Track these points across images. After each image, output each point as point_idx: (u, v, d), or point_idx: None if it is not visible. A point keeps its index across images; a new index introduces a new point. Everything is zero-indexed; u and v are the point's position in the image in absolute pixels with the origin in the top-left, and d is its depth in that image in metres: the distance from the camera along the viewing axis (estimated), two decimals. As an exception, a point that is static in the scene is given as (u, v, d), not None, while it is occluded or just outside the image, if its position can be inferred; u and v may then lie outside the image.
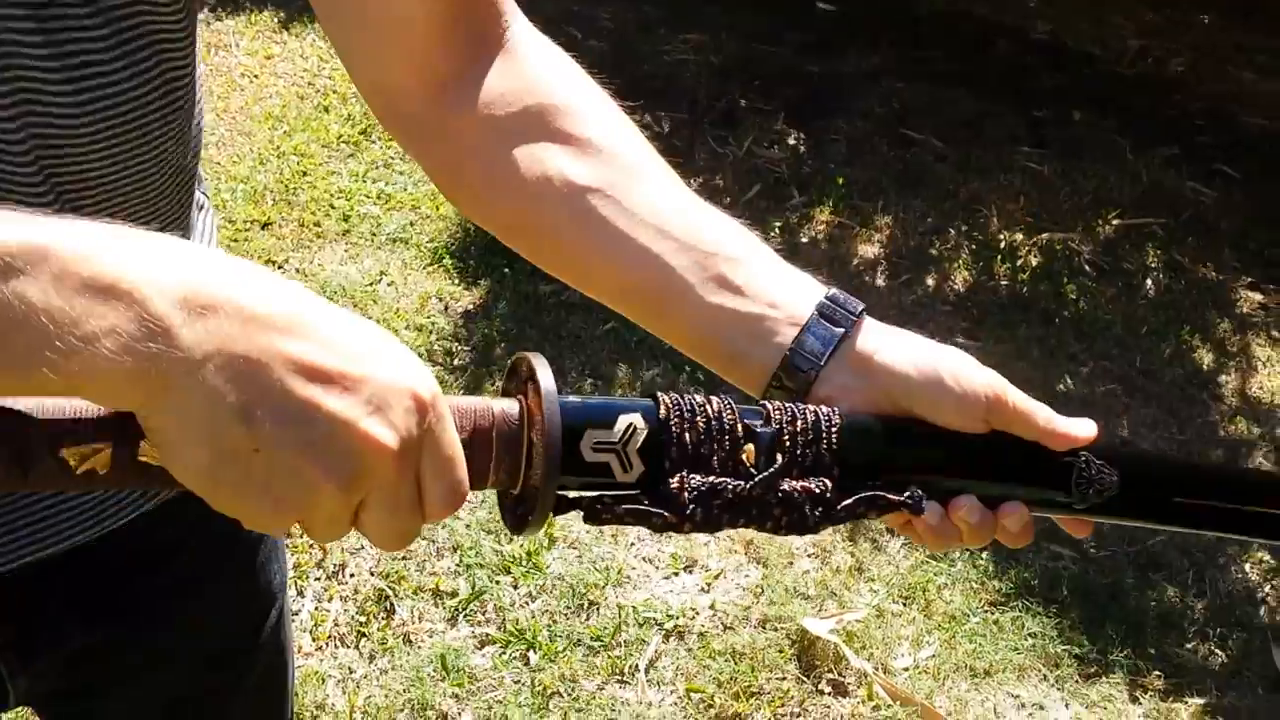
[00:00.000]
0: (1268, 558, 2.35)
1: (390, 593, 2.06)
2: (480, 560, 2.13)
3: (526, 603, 2.08)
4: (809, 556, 2.23)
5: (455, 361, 2.51)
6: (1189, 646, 2.16)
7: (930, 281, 2.91)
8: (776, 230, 2.97)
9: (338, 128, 3.11)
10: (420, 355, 2.51)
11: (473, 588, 2.08)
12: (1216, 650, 2.16)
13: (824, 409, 0.62)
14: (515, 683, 1.96)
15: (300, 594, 2.05)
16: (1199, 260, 3.08)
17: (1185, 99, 3.64)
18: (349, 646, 2.00)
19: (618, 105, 0.74)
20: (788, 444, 0.60)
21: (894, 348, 0.67)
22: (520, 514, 0.57)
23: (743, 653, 2.04)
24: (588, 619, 2.07)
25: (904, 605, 2.17)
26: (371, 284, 2.67)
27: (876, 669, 2.05)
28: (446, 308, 2.64)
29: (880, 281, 2.90)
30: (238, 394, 0.46)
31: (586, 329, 2.60)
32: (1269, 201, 3.26)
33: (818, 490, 0.60)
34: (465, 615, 2.06)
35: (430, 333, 2.57)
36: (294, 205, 2.86)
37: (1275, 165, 3.40)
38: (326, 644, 1.99)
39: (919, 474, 0.64)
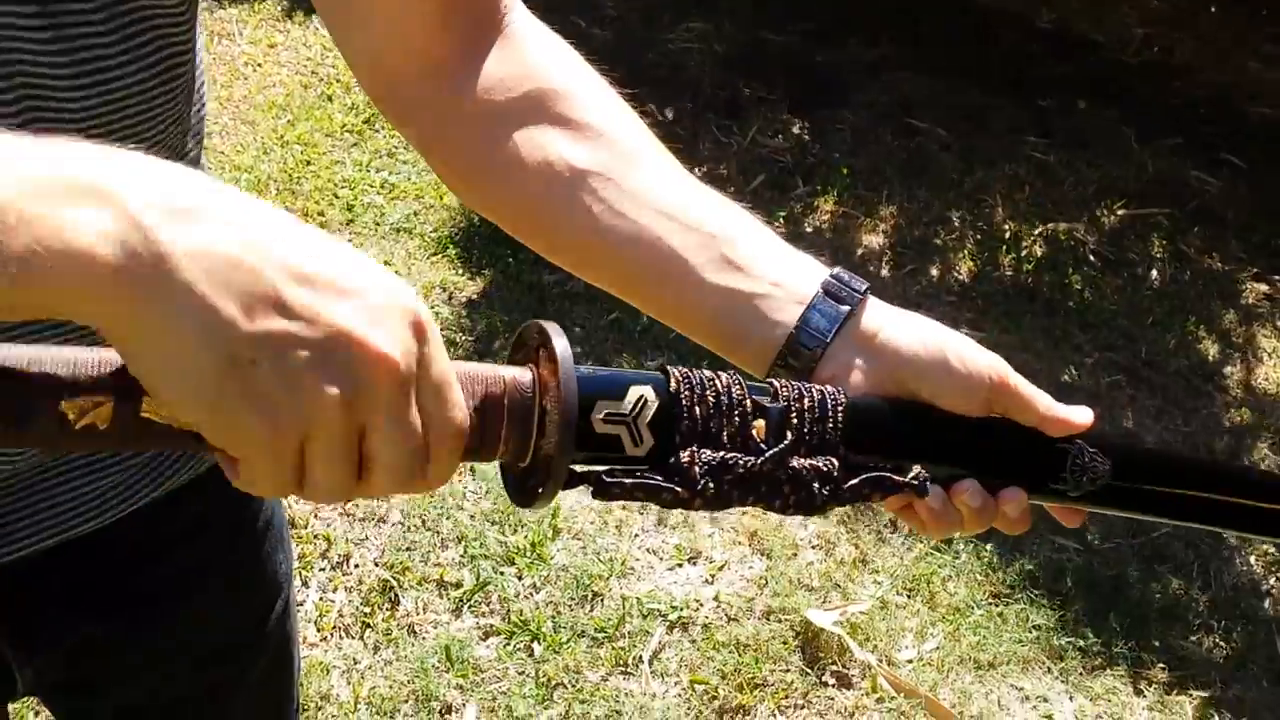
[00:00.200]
0: (1272, 550, 2.34)
1: (395, 583, 2.06)
2: (485, 551, 2.13)
3: (531, 594, 2.09)
4: (813, 548, 2.23)
5: (459, 351, 2.51)
6: (1193, 639, 2.16)
7: (934, 271, 2.90)
8: (781, 220, 2.96)
9: (341, 117, 3.10)
10: (424, 346, 2.51)
11: (477, 579, 2.09)
12: (1221, 643, 2.16)
13: (830, 388, 0.62)
14: (519, 674, 1.97)
15: (305, 585, 2.05)
16: (1204, 250, 3.07)
17: (1190, 88, 3.62)
18: (354, 637, 2.00)
19: (616, 92, 0.74)
20: (795, 421, 0.60)
21: (899, 327, 0.67)
22: (530, 487, 0.55)
23: (747, 644, 2.04)
24: (592, 610, 2.07)
25: (908, 597, 2.17)
26: (375, 274, 2.67)
27: (880, 661, 2.05)
28: (450, 297, 2.64)
29: (884, 271, 2.89)
30: (230, 298, 0.44)
31: (590, 319, 2.60)
32: (1274, 191, 3.25)
33: (825, 469, 0.60)
34: (470, 606, 2.06)
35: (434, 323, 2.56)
36: (298, 195, 2.85)
37: (1281, 155, 3.39)
38: (331, 635, 1.99)
39: (922, 456, 0.64)
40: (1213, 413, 2.62)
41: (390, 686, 1.92)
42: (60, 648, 0.85)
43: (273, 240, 0.46)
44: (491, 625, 2.03)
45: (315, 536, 2.12)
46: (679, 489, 0.57)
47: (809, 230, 2.98)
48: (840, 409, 0.61)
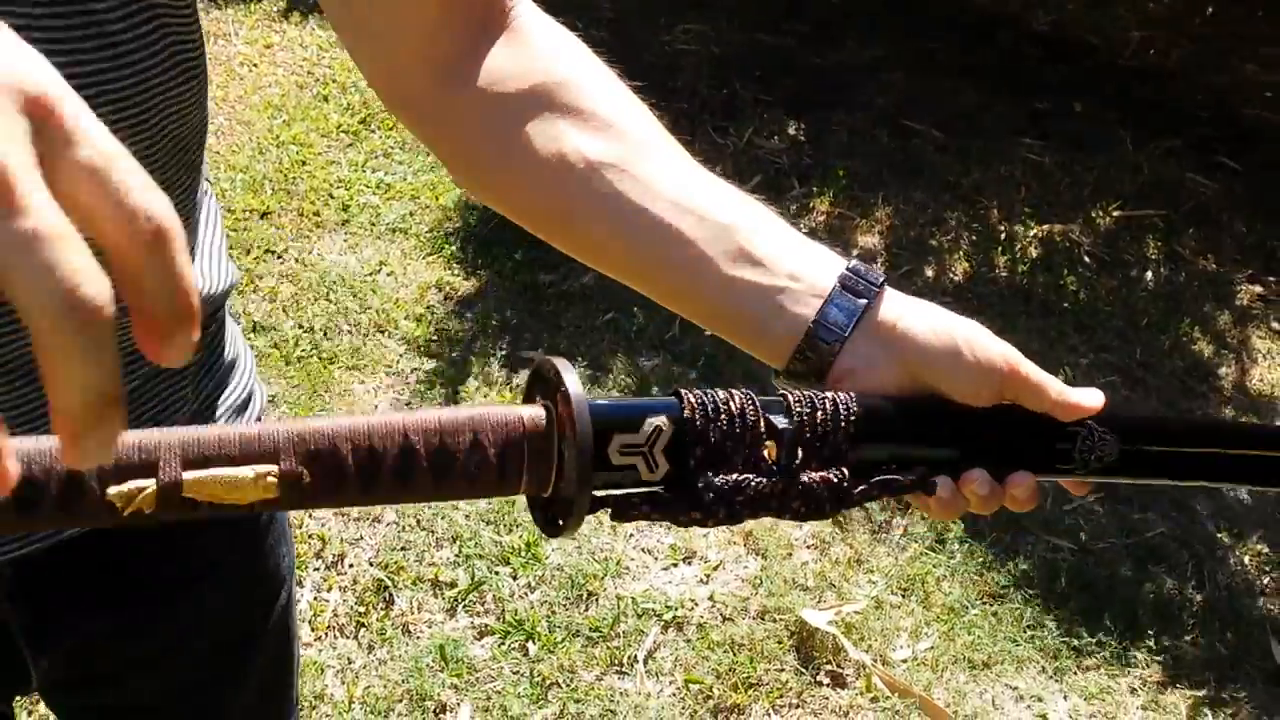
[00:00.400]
0: (1266, 550, 2.35)
1: (389, 583, 2.06)
2: (479, 551, 2.13)
3: (525, 593, 2.09)
4: (808, 548, 2.23)
5: (454, 352, 2.51)
6: (1187, 639, 2.17)
7: (930, 272, 2.90)
8: (776, 221, 2.96)
9: (337, 117, 3.10)
10: (420, 345, 2.51)
11: (472, 578, 2.09)
12: (1215, 642, 2.17)
13: (841, 396, 0.63)
14: (514, 673, 1.97)
15: (299, 584, 2.05)
16: (1199, 252, 3.07)
17: (1187, 91, 3.63)
18: (348, 637, 2.00)
19: (624, 83, 0.74)
20: (808, 437, 0.61)
21: (915, 317, 0.67)
22: (552, 518, 0.57)
23: (741, 644, 2.05)
24: (586, 610, 2.07)
25: (903, 597, 2.17)
26: (371, 274, 2.67)
27: (875, 660, 2.05)
28: (446, 298, 2.64)
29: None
30: None
31: (586, 319, 2.60)
32: (1270, 193, 3.25)
33: (835, 480, 0.61)
34: (464, 606, 2.06)
35: (429, 323, 2.56)
36: (293, 195, 2.86)
37: (1277, 157, 3.40)
38: (325, 634, 1.99)
39: (931, 454, 0.65)
40: (1208, 414, 2.62)
41: (385, 686, 1.92)
42: (72, 641, 0.86)
43: None
44: (486, 625, 2.03)
45: (310, 536, 2.12)
46: (694, 512, 0.59)
47: (805, 231, 2.96)
48: (852, 417, 0.62)
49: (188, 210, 0.77)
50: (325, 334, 2.51)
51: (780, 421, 0.61)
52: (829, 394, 0.63)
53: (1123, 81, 3.63)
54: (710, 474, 0.58)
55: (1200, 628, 2.18)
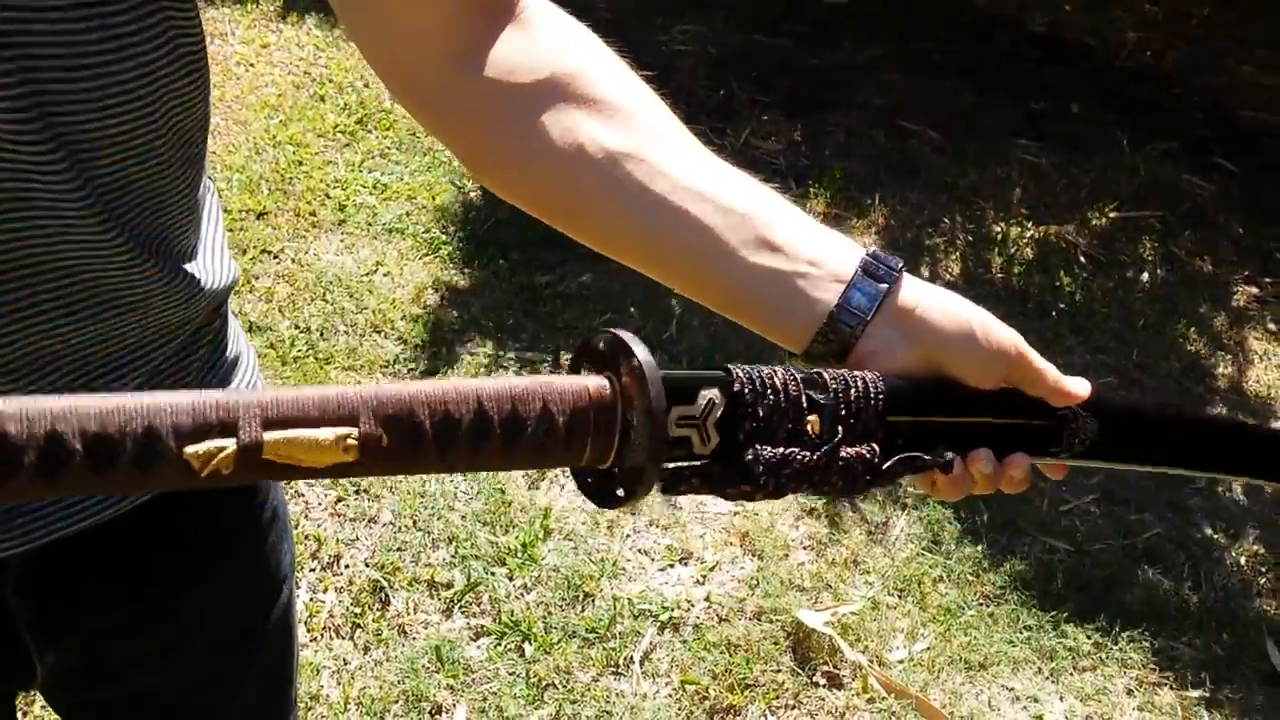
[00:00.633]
0: (1262, 550, 2.35)
1: (385, 584, 2.06)
2: (475, 552, 2.13)
3: (522, 594, 2.08)
4: (804, 549, 2.23)
5: (451, 352, 2.51)
6: (1183, 640, 2.17)
7: (926, 273, 2.90)
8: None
9: (334, 117, 3.10)
10: (416, 346, 2.51)
11: (468, 579, 2.08)
12: (1210, 643, 2.17)
13: (870, 375, 0.65)
14: (510, 674, 1.96)
15: (296, 585, 2.05)
16: (1195, 253, 3.08)
17: (1183, 92, 3.63)
18: (344, 638, 1.99)
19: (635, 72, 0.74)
20: (843, 413, 0.63)
21: (931, 302, 0.69)
22: (610, 491, 0.57)
23: (738, 645, 2.04)
24: (583, 611, 2.07)
25: (899, 598, 2.17)
26: (367, 274, 2.67)
27: (871, 661, 2.05)
28: (442, 298, 2.64)
29: (877, 274, 2.89)
30: None
31: (582, 320, 2.60)
32: (1266, 195, 3.26)
33: (868, 455, 0.63)
34: (460, 607, 2.05)
35: (426, 323, 2.56)
36: (290, 195, 2.85)
37: (1273, 159, 3.40)
38: (321, 635, 1.99)
39: (948, 432, 0.68)
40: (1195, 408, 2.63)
41: (380, 687, 1.92)
42: (77, 636, 0.86)
43: None
44: (482, 626, 2.03)
45: (306, 537, 2.12)
46: (743, 485, 0.60)
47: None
48: (881, 396, 0.64)
49: (191, 206, 0.77)
50: (321, 334, 2.51)
51: (820, 397, 0.63)
52: (859, 373, 0.65)
53: (1119, 83, 3.64)
54: (759, 447, 0.60)
55: (1196, 629, 2.18)
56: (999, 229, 3.05)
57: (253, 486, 0.93)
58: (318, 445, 0.48)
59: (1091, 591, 2.22)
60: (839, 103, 3.40)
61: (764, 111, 3.34)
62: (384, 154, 3.01)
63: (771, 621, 2.09)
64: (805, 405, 0.62)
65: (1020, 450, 0.70)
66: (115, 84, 0.65)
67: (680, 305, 2.59)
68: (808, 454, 0.61)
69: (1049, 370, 0.71)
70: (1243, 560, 2.34)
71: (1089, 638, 2.14)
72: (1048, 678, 2.08)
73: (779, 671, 2.02)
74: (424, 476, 2.25)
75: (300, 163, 2.95)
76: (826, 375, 0.64)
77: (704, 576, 2.16)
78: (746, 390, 0.60)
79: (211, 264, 0.81)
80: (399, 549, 2.12)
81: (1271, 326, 2.90)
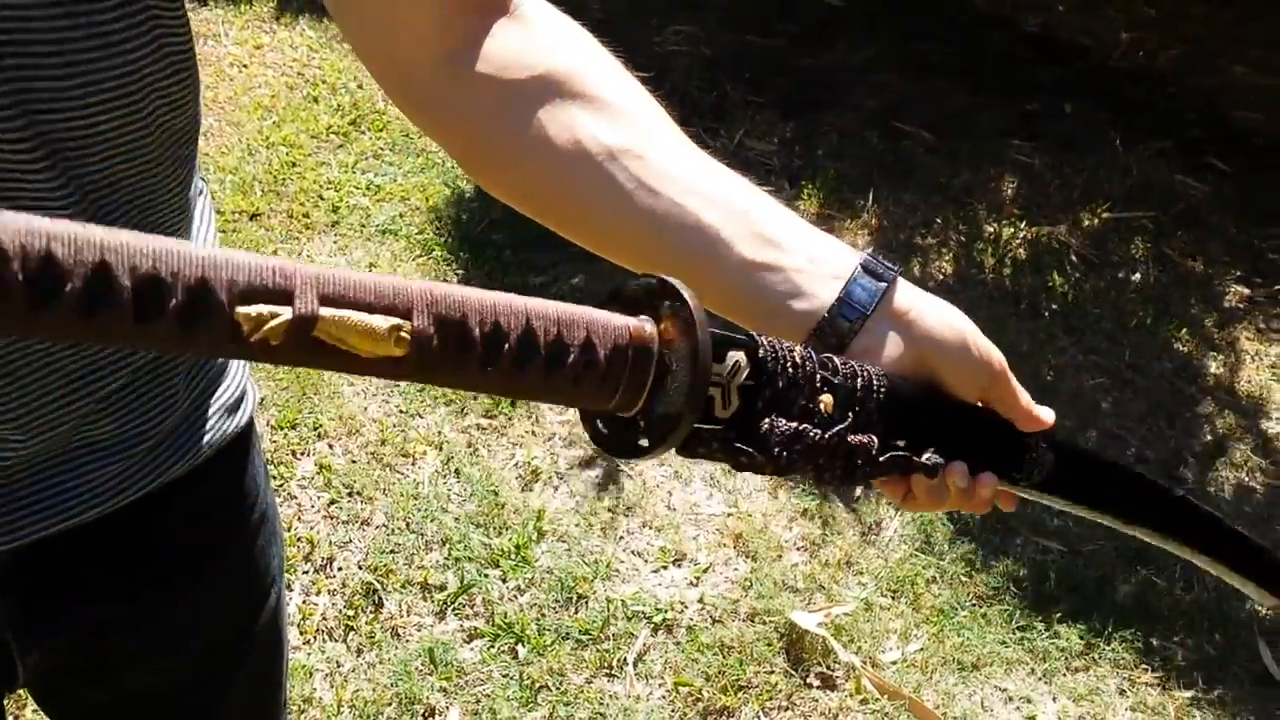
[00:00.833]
0: (1254, 551, 2.35)
1: (378, 586, 2.06)
2: (469, 554, 2.13)
3: (515, 596, 2.08)
4: (798, 550, 2.24)
5: (444, 354, 2.51)
6: (1176, 640, 2.17)
7: (919, 273, 2.90)
8: (767, 223, 2.96)
9: (327, 118, 3.09)
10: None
11: (461, 581, 2.08)
12: (1203, 644, 2.17)
13: (874, 368, 0.65)
14: (503, 676, 1.96)
15: (288, 587, 2.04)
16: (1188, 254, 3.08)
17: (1177, 92, 3.64)
18: (336, 640, 1.99)
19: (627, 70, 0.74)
20: (854, 399, 0.63)
21: (926, 305, 0.70)
22: (632, 439, 0.55)
23: (731, 646, 2.05)
24: (576, 612, 2.07)
25: (892, 599, 2.17)
26: (360, 276, 2.66)
27: (864, 662, 2.05)
28: (436, 300, 2.64)
29: (870, 274, 2.89)
30: None
31: (576, 321, 2.60)
32: (1259, 195, 3.26)
33: (869, 445, 0.62)
34: (453, 609, 2.05)
35: (419, 325, 2.56)
36: (283, 196, 2.85)
37: (1266, 159, 3.41)
38: (314, 638, 1.99)
39: (933, 437, 0.67)
40: (1196, 414, 2.63)
41: (373, 690, 1.92)
42: (61, 637, 0.85)
43: None
44: (475, 628, 2.03)
45: (298, 539, 2.11)
46: (757, 454, 0.59)
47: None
48: (883, 389, 0.64)
49: (182, 206, 0.77)
50: (315, 336, 2.50)
51: (835, 379, 0.62)
52: (865, 364, 0.65)
53: (1113, 83, 3.64)
54: (775, 418, 0.59)
55: (1188, 629, 2.19)
56: (992, 229, 3.06)
57: (242, 490, 0.92)
58: (372, 332, 0.45)
59: (1084, 592, 2.23)
60: (833, 103, 3.40)
61: (758, 112, 3.34)
62: (377, 155, 3.01)
63: (765, 623, 2.09)
64: (820, 384, 0.61)
65: (990, 470, 0.70)
66: (100, 82, 0.65)
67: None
68: (819, 433, 0.60)
69: (1022, 393, 0.72)
70: (1235, 560, 2.34)
71: (1081, 638, 2.14)
72: (1040, 678, 2.09)
73: (772, 673, 2.02)
74: (417, 478, 2.25)
75: (293, 164, 2.95)
76: (837, 361, 0.63)
77: (697, 578, 2.16)
78: (769, 359, 0.59)
79: None
80: (392, 551, 2.12)
81: (1263, 326, 2.90)
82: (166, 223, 0.75)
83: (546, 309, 0.51)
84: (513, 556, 2.13)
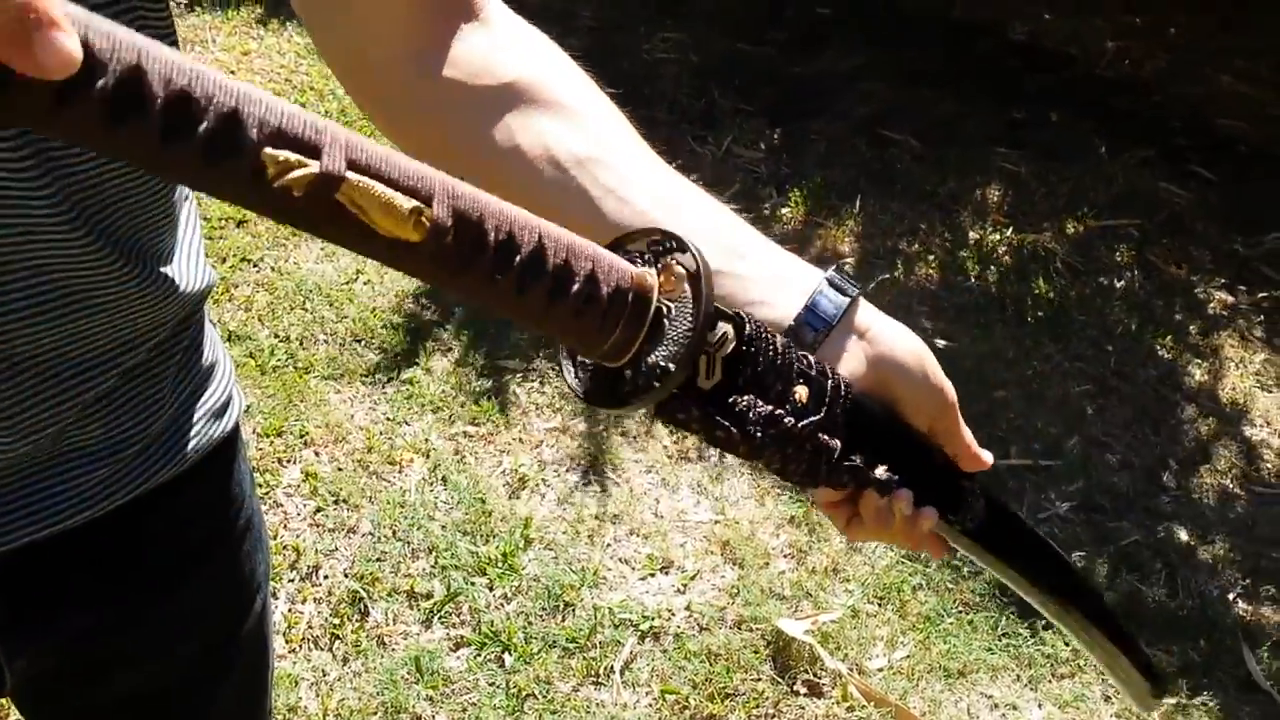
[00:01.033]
0: (1238, 558, 2.37)
1: (364, 594, 2.05)
2: (455, 562, 2.12)
3: (502, 604, 2.08)
4: (784, 557, 2.24)
5: (432, 360, 2.51)
6: (1160, 646, 2.18)
7: (905, 281, 2.91)
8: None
9: (314, 125, 3.09)
10: (397, 354, 2.50)
11: (448, 589, 2.08)
12: (1188, 650, 2.18)
13: (844, 375, 0.65)
14: (490, 685, 1.96)
15: (273, 595, 2.04)
16: (1172, 261, 3.10)
17: (1162, 101, 3.66)
18: (322, 649, 1.99)
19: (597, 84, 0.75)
20: (823, 395, 0.62)
21: (886, 325, 0.70)
22: (622, 390, 0.55)
23: (718, 654, 2.05)
24: (563, 620, 2.07)
25: (879, 606, 2.18)
26: (348, 282, 2.66)
27: (851, 669, 2.05)
28: (423, 306, 2.63)
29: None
30: None
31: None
32: (1243, 203, 3.28)
33: (833, 447, 0.62)
34: (440, 617, 2.05)
35: (407, 332, 2.56)
36: (270, 203, 2.84)
37: (1250, 168, 3.43)
38: (300, 646, 1.98)
39: (886, 458, 0.66)
40: (1180, 421, 2.65)
41: (359, 699, 1.91)
42: (48, 641, 0.85)
43: None
44: (462, 636, 2.03)
45: (284, 547, 2.11)
46: (734, 429, 0.58)
47: (781, 240, 2.98)
48: (850, 396, 0.64)
49: (168, 208, 0.77)
50: (301, 343, 2.50)
51: (810, 370, 0.62)
52: (834, 368, 0.64)
53: (1098, 92, 3.66)
54: (753, 397, 0.59)
55: (1173, 635, 2.20)
56: (978, 236, 3.07)
57: (228, 495, 0.92)
58: (394, 208, 0.44)
59: (1070, 599, 2.23)
60: (820, 111, 3.41)
61: (746, 119, 3.35)
62: (365, 162, 3.01)
63: (752, 630, 2.09)
64: (796, 374, 0.61)
65: (931, 505, 0.69)
66: None
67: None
68: (793, 420, 0.60)
69: (966, 430, 0.72)
70: (1219, 567, 2.35)
71: (1067, 645, 2.15)
72: (1026, 685, 2.09)
73: (759, 680, 2.02)
74: (404, 486, 2.24)
75: (281, 171, 2.94)
76: (811, 358, 0.63)
77: (684, 585, 2.16)
78: (754, 336, 0.59)
79: (187, 269, 0.82)
80: (378, 559, 2.12)
81: (1247, 334, 2.92)
82: (150, 226, 0.75)
83: (559, 233, 0.50)
84: (499, 564, 2.13)
